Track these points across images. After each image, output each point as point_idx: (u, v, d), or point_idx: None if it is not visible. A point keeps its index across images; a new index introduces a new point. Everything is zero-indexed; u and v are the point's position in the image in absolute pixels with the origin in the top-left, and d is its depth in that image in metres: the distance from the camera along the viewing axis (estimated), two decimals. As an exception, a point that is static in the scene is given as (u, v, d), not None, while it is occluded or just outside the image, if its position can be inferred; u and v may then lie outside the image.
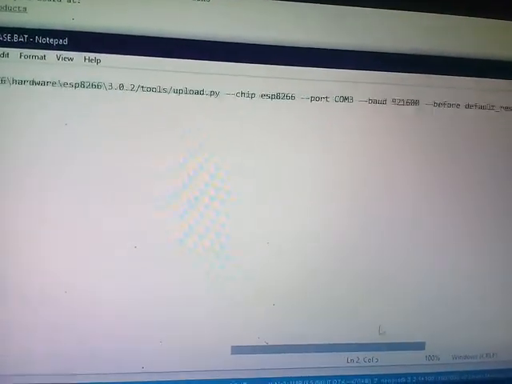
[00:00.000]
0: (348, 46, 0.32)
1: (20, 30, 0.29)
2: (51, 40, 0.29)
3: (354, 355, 0.33)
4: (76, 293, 0.30)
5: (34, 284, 0.30)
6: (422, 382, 0.34)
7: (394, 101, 0.32)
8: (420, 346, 0.34)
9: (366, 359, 0.33)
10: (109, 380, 0.31)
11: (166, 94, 0.30)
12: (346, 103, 0.32)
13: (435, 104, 0.33)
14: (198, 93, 0.31)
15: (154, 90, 0.30)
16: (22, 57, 0.29)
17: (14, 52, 0.29)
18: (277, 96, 0.31)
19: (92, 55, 0.30)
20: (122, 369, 0.31)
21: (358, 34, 0.32)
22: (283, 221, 0.32)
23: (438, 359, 0.34)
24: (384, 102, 0.32)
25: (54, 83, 0.29)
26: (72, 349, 0.30)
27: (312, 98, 0.32)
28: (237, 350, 0.32)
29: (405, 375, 0.34)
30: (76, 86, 0.30)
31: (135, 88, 0.30)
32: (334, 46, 0.32)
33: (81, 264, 0.30)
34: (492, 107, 0.33)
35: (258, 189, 0.32)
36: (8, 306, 0.30)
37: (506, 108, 0.34)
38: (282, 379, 0.32)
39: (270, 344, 0.32)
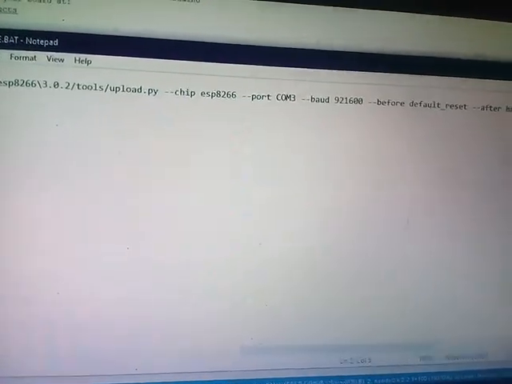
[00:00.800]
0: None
1: (10, 31, 0.29)
2: (42, 41, 0.29)
3: (347, 356, 0.33)
4: (68, 294, 0.30)
5: (25, 285, 0.29)
6: (416, 383, 0.34)
7: (336, 99, 0.32)
8: (414, 347, 0.34)
9: (360, 360, 0.33)
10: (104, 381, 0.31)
11: (155, 95, 0.31)
12: (288, 101, 0.32)
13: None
14: (190, 94, 0.31)
15: (145, 91, 0.30)
16: (13, 58, 0.29)
17: (4, 53, 0.29)
18: (217, 94, 0.31)
19: (83, 56, 0.30)
20: (115, 370, 0.30)
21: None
22: (275, 222, 0.32)
23: (432, 359, 0.34)
24: (327, 100, 0.32)
25: (44, 84, 0.29)
26: (64, 350, 0.30)
27: (254, 97, 0.32)
28: (231, 350, 0.32)
29: (398, 376, 0.34)
30: (67, 86, 0.30)
31: (126, 89, 0.30)
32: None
33: (73, 265, 0.30)
34: (438, 105, 0.33)
35: (250, 190, 0.32)
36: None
37: (452, 106, 0.34)
38: (275, 380, 0.32)
39: (262, 345, 0.32)
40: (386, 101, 0.33)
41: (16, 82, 0.29)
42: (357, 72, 0.33)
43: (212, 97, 0.31)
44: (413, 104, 0.33)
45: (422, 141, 0.33)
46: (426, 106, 0.33)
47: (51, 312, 0.30)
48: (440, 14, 0.33)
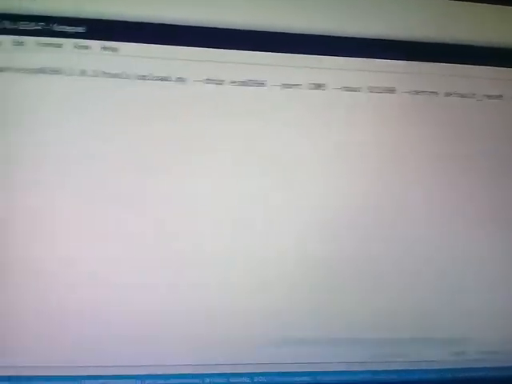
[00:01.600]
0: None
1: (36, 18, 0.28)
2: (68, 28, 0.29)
3: (379, 350, 0.32)
4: (88, 284, 0.29)
5: (40, 274, 0.29)
6: (449, 378, 0.33)
7: (369, 88, 0.31)
8: (448, 342, 0.33)
9: (393, 355, 0.32)
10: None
11: (184, 83, 0.30)
12: (320, 90, 0.31)
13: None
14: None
15: (173, 79, 0.30)
16: (39, 45, 0.28)
17: (29, 40, 0.28)
18: (247, 83, 0.30)
19: (109, 43, 0.29)
20: (132, 361, 0.30)
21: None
22: (303, 214, 0.31)
23: (465, 355, 0.33)
24: (359, 89, 0.31)
25: (70, 72, 0.29)
26: (80, 340, 0.30)
27: (284, 85, 0.31)
28: (262, 343, 0.31)
29: (431, 371, 0.33)
30: (93, 74, 0.29)
31: (154, 77, 0.29)
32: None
33: (92, 253, 0.29)
34: (473, 95, 0.32)
35: (277, 181, 0.31)
36: (18, 298, 0.29)
37: (489, 96, 0.32)
38: (307, 373, 0.32)
39: (293, 337, 0.31)
40: (420, 90, 0.32)
41: (42, 70, 0.28)
42: (390, 61, 0.32)
43: (241, 85, 0.30)
44: (448, 94, 0.32)
45: (456, 131, 0.32)
46: (461, 96, 0.32)
47: (70, 302, 0.29)
48: (477, 1, 0.32)
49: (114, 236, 0.30)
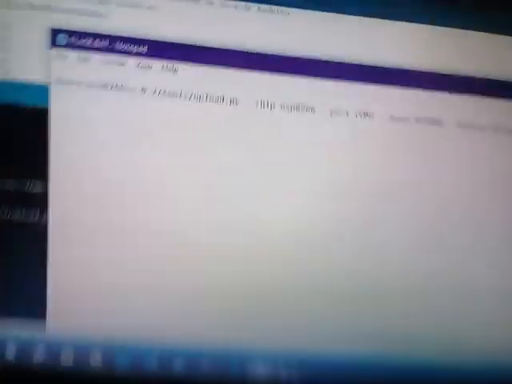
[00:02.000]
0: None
1: (101, 36, 0.30)
2: (131, 47, 0.30)
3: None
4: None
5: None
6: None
7: (417, 120, 0.32)
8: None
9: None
10: None
11: (237, 105, 0.31)
12: (367, 119, 0.32)
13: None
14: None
15: (227, 100, 0.31)
16: (103, 62, 0.30)
17: (95, 56, 0.30)
18: (296, 108, 0.31)
19: (170, 64, 0.30)
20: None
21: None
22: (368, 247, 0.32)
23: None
24: (406, 119, 0.32)
25: (132, 90, 0.30)
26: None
27: (331, 112, 0.31)
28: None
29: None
30: (153, 93, 0.30)
31: (209, 97, 0.31)
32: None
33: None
34: None
35: (326, 210, 0.31)
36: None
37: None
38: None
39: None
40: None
41: (105, 87, 0.30)
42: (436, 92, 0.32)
43: (291, 110, 0.31)
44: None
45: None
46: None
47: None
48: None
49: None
